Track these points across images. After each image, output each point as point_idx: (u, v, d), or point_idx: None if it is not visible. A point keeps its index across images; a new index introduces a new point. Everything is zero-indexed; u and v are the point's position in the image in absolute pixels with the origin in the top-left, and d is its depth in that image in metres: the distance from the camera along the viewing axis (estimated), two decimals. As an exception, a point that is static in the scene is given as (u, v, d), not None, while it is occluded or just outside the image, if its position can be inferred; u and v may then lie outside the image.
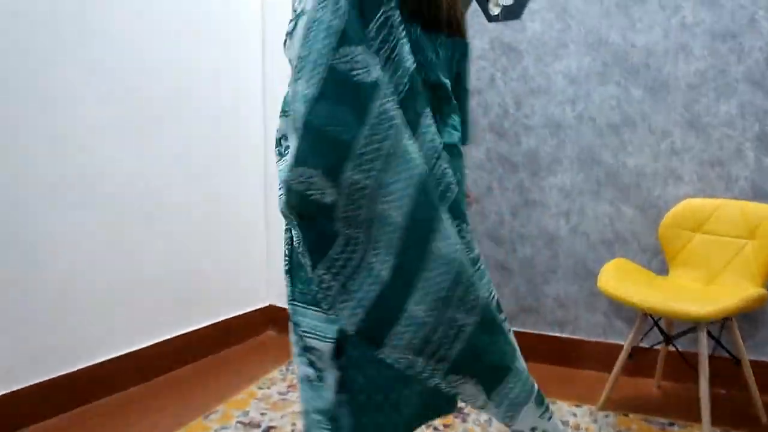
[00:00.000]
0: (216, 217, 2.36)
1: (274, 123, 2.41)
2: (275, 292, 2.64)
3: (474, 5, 2.24)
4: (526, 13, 2.17)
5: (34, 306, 1.74)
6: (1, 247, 1.65)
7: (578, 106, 2.13)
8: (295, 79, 0.84)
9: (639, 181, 2.07)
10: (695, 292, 1.76)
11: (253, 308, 2.59)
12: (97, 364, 1.92)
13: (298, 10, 0.87)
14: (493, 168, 2.29)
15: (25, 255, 1.71)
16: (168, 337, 2.19)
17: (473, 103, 2.30)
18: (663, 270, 2.03)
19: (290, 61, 0.88)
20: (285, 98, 0.93)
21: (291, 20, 0.89)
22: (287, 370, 2.22)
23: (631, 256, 2.10)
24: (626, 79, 2.05)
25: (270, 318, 2.64)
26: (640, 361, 1.99)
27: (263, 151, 2.57)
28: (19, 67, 1.67)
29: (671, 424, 1.79)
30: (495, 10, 2.21)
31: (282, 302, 2.63)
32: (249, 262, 2.56)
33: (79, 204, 1.85)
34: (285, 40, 0.92)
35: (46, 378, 1.77)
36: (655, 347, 1.97)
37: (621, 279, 1.81)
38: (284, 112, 0.94)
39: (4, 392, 1.67)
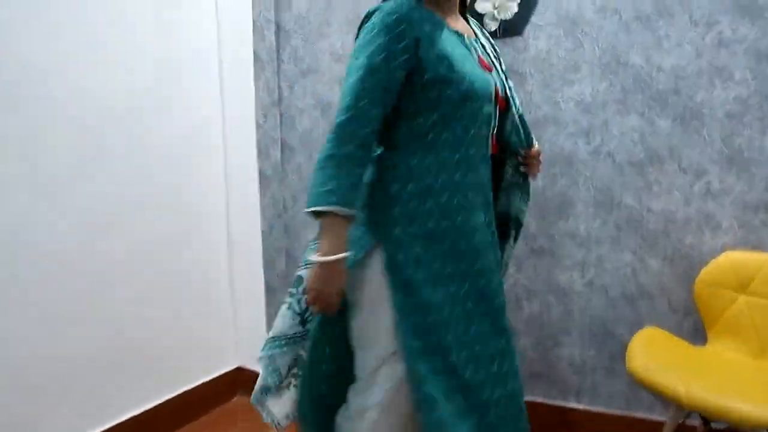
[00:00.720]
0: (172, 274, 2.01)
1: (236, 172, 2.05)
2: (245, 352, 2.29)
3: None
4: (529, 29, 1.83)
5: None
6: None
7: (594, 139, 1.79)
8: None
9: (668, 229, 1.74)
10: (747, 379, 1.43)
11: (220, 372, 2.24)
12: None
13: None
14: (493, 211, 1.95)
15: None
16: (120, 420, 1.84)
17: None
18: (697, 333, 1.70)
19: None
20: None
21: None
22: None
23: (658, 317, 1.77)
24: (651, 108, 1.71)
25: (239, 382, 2.29)
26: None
27: (222, 171, 2.21)
28: None
29: None
30: (492, 26, 1.86)
31: (252, 362, 2.28)
32: (214, 321, 2.20)
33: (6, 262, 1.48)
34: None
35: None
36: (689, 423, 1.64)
37: (656, 359, 1.47)
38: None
39: None
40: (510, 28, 1.84)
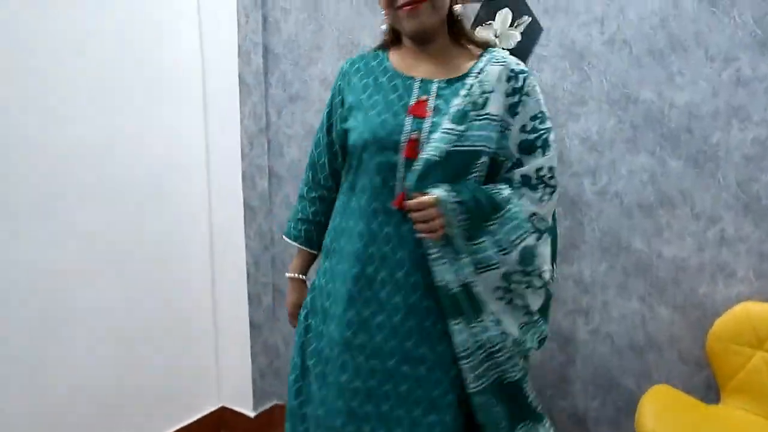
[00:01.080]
0: (152, 312, 1.88)
1: (220, 203, 1.92)
2: (228, 392, 2.17)
3: (466, 48, 1.77)
4: (533, 60, 1.71)
5: None
6: None
7: (600, 179, 1.68)
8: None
9: (679, 276, 1.63)
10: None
11: (201, 414, 2.12)
12: None
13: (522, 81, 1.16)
14: (492, 251, 1.83)
15: None
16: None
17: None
18: (710, 388, 1.59)
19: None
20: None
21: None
22: None
23: (668, 369, 1.66)
24: (662, 147, 1.60)
25: (222, 423, 2.17)
26: None
27: (206, 202, 2.09)
28: None
29: None
30: (493, 55, 1.74)
31: (235, 402, 2.17)
32: (196, 360, 2.08)
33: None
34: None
35: None
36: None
37: (667, 424, 1.37)
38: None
39: None
40: (512, 59, 1.72)
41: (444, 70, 1.19)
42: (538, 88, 1.20)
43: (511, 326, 1.17)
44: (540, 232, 1.18)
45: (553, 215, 1.25)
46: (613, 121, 1.65)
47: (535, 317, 1.22)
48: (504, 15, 1.72)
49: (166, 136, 1.91)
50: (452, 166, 1.12)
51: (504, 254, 1.13)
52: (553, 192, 1.20)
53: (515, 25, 1.71)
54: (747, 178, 1.53)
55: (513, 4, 1.70)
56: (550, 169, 1.18)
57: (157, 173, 1.88)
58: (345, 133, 1.21)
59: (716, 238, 1.58)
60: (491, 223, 1.13)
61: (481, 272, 1.13)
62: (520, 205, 1.15)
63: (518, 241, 1.14)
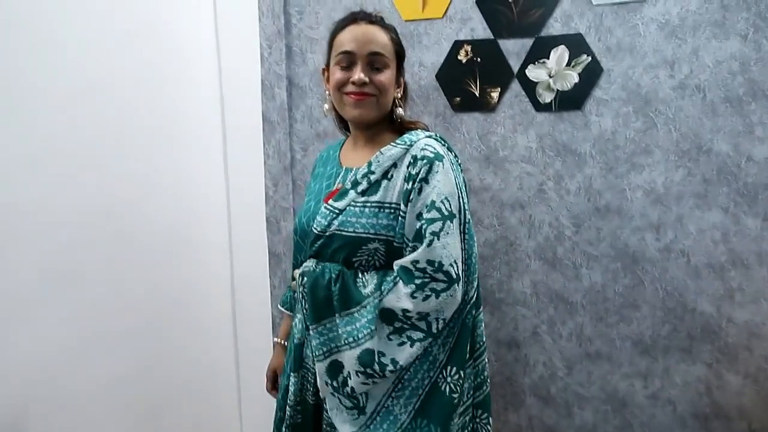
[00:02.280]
0: (164, 370, 1.74)
1: (243, 227, 1.77)
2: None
3: (516, 87, 1.61)
4: (592, 104, 1.55)
5: None
6: None
7: (665, 235, 1.54)
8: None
9: (751, 342, 1.50)
10: None
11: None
12: None
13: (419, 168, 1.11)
14: (541, 307, 1.69)
15: None
16: None
17: (514, 218, 1.69)
18: (783, 463, 1.48)
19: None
20: None
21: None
22: None
23: (736, 441, 1.54)
24: (737, 204, 1.46)
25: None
26: None
27: (226, 249, 1.94)
28: None
29: None
30: (547, 97, 1.58)
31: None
32: (217, 413, 1.94)
33: None
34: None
35: None
36: None
37: None
38: None
39: None
40: (568, 101, 1.56)
41: (362, 156, 1.20)
42: (442, 176, 1.09)
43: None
44: (410, 330, 1.07)
45: (474, 315, 1.15)
46: (681, 173, 1.50)
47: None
48: (560, 53, 1.55)
49: (183, 183, 1.75)
50: (340, 246, 1.13)
51: (335, 350, 1.12)
52: (445, 289, 1.05)
53: (572, 64, 1.54)
54: (833, 241, 1.39)
55: (570, 42, 1.54)
56: (431, 262, 1.05)
57: (171, 224, 1.72)
58: None
59: (795, 304, 1.45)
60: (336, 316, 1.12)
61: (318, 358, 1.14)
62: (378, 304, 1.08)
63: (355, 341, 1.09)
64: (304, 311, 1.16)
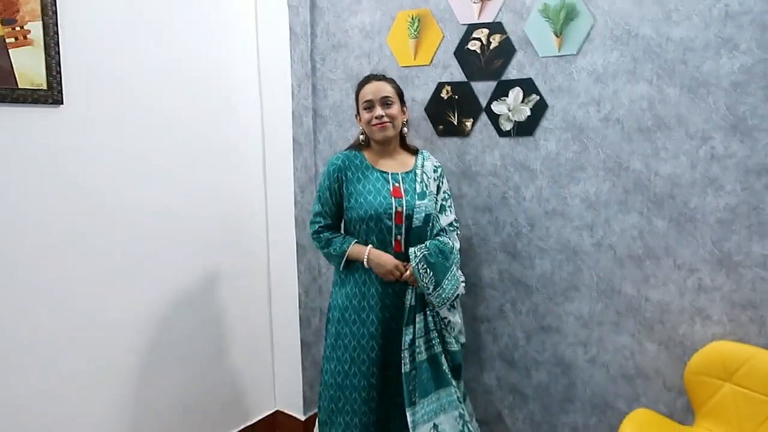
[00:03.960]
0: (215, 332, 2.29)
1: (277, 224, 2.27)
2: (282, 398, 2.57)
3: (484, 118, 2.10)
4: (540, 132, 2.02)
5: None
6: None
7: (597, 233, 1.99)
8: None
9: (663, 317, 1.92)
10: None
11: (260, 417, 2.52)
12: None
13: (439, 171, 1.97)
14: (505, 289, 2.16)
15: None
16: (169, 466, 2.14)
17: (484, 219, 2.17)
18: (689, 412, 1.88)
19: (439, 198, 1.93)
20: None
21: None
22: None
23: (653, 395, 1.96)
24: (649, 209, 1.90)
25: (277, 425, 2.57)
26: None
27: (264, 239, 2.48)
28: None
29: None
30: (506, 125, 2.06)
31: (288, 407, 2.56)
32: (255, 371, 2.48)
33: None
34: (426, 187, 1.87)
35: None
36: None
37: (642, 444, 1.67)
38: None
39: None
40: (522, 129, 2.04)
41: (399, 166, 1.92)
42: (446, 176, 2.01)
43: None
44: (455, 255, 1.91)
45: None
46: (608, 185, 1.95)
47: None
48: (516, 93, 2.03)
49: (233, 189, 2.31)
50: (423, 224, 1.84)
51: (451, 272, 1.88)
52: (458, 235, 2.00)
53: (525, 101, 2.02)
54: (720, 238, 1.81)
55: (523, 84, 2.02)
56: (456, 221, 1.99)
57: (225, 220, 2.28)
58: (348, 207, 1.86)
59: (695, 287, 1.87)
60: (448, 263, 1.85)
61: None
62: (451, 242, 1.90)
63: (454, 264, 1.89)
64: (428, 275, 1.77)
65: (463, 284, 1.94)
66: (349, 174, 1.86)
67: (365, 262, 1.82)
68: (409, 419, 1.77)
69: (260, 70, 2.38)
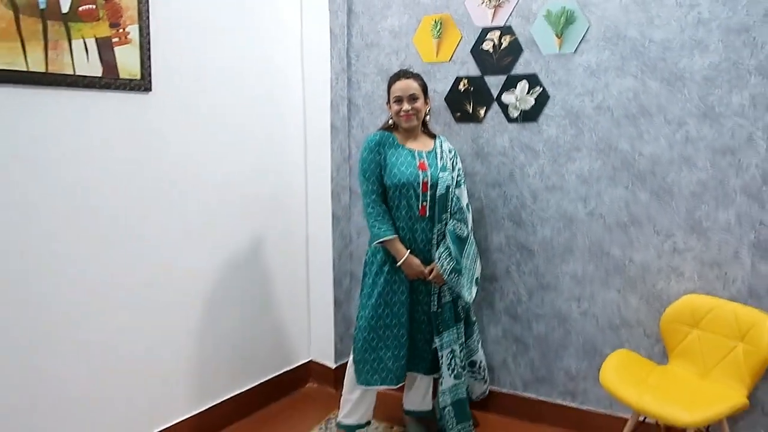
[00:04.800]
0: (262, 288, 2.69)
1: (315, 197, 2.62)
2: (316, 349, 2.96)
3: (495, 107, 2.47)
4: (543, 118, 2.38)
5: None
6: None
7: (590, 204, 2.35)
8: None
9: (644, 275, 2.28)
10: (687, 392, 1.96)
11: (296, 364, 2.92)
12: (174, 425, 2.30)
13: (453, 152, 2.33)
14: (511, 253, 2.53)
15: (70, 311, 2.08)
16: (225, 398, 2.54)
17: (494, 193, 2.54)
18: (665, 355, 2.24)
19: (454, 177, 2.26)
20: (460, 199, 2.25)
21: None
22: (326, 427, 2.54)
23: (635, 341, 2.32)
24: (634, 183, 2.25)
25: (311, 372, 2.97)
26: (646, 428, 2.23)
27: (304, 210, 2.87)
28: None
29: (664, 504, 2.03)
30: (514, 113, 2.43)
31: (321, 357, 2.96)
32: (293, 324, 2.88)
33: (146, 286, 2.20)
34: (445, 164, 2.25)
35: (130, 446, 2.15)
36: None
37: (621, 376, 2.03)
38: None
39: None
40: (528, 116, 2.41)
41: (422, 146, 2.28)
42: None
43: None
44: (472, 243, 2.35)
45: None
46: (599, 163, 2.31)
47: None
48: (523, 85, 2.40)
49: (279, 166, 2.70)
50: (445, 193, 2.20)
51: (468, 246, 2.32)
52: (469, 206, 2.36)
53: (530, 93, 2.38)
54: (692, 208, 2.16)
55: (529, 78, 2.38)
56: (468, 203, 2.32)
57: (272, 192, 2.67)
58: (385, 177, 2.20)
59: (670, 249, 2.22)
60: (465, 247, 2.29)
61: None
62: (468, 229, 2.29)
63: (470, 237, 2.32)
64: (454, 279, 2.20)
65: (478, 279, 2.38)
66: (385, 149, 2.21)
67: (398, 263, 2.17)
68: (437, 343, 2.26)
69: (304, 66, 2.76)
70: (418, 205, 2.19)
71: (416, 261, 2.19)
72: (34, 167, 1.82)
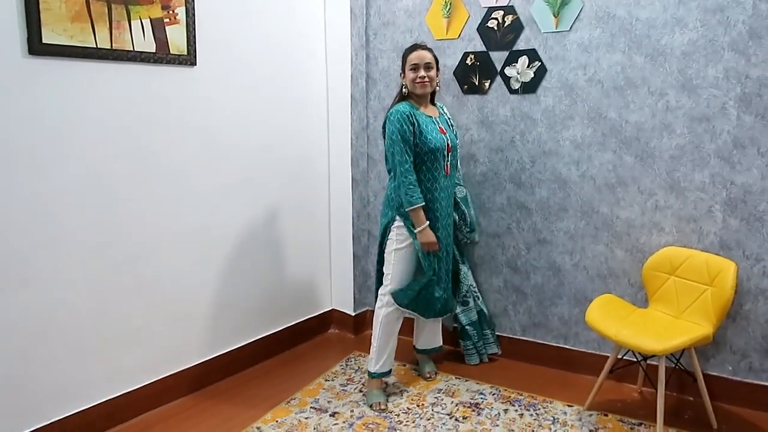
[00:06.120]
0: (289, 243, 3.03)
1: (336, 162, 2.94)
2: (337, 298, 3.31)
3: (498, 79, 2.74)
4: (541, 90, 2.66)
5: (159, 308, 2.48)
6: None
7: (581, 167, 2.63)
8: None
9: (629, 230, 2.57)
10: (660, 328, 2.26)
11: (319, 312, 3.27)
12: (213, 358, 2.66)
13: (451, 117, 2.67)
14: (512, 212, 2.83)
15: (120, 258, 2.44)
16: (256, 338, 2.90)
17: (497, 158, 2.83)
18: (646, 303, 2.53)
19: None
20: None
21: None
22: (346, 365, 2.89)
23: (621, 289, 2.61)
24: (620, 148, 2.52)
25: (332, 319, 3.33)
26: (627, 369, 2.53)
27: (326, 174, 3.20)
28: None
29: (639, 424, 2.35)
30: (515, 85, 2.70)
31: (342, 306, 3.30)
32: (317, 276, 3.23)
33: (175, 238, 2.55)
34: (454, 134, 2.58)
35: (172, 372, 2.53)
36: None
37: (603, 314, 2.34)
38: None
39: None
40: (527, 88, 2.68)
41: (433, 112, 2.50)
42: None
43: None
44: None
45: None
46: (590, 130, 2.58)
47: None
48: (523, 60, 2.67)
49: (305, 133, 3.02)
50: (458, 153, 2.57)
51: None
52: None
53: (530, 66, 2.65)
54: (672, 169, 2.43)
55: (529, 53, 2.65)
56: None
57: (297, 159, 2.99)
58: (420, 143, 2.38)
59: (652, 207, 2.50)
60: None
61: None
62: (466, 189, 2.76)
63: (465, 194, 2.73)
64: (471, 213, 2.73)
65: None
66: (416, 118, 2.36)
67: (417, 231, 2.37)
68: (464, 268, 2.81)
69: (326, 42, 3.06)
70: (444, 165, 2.44)
71: (431, 233, 2.39)
72: (104, 129, 2.16)
